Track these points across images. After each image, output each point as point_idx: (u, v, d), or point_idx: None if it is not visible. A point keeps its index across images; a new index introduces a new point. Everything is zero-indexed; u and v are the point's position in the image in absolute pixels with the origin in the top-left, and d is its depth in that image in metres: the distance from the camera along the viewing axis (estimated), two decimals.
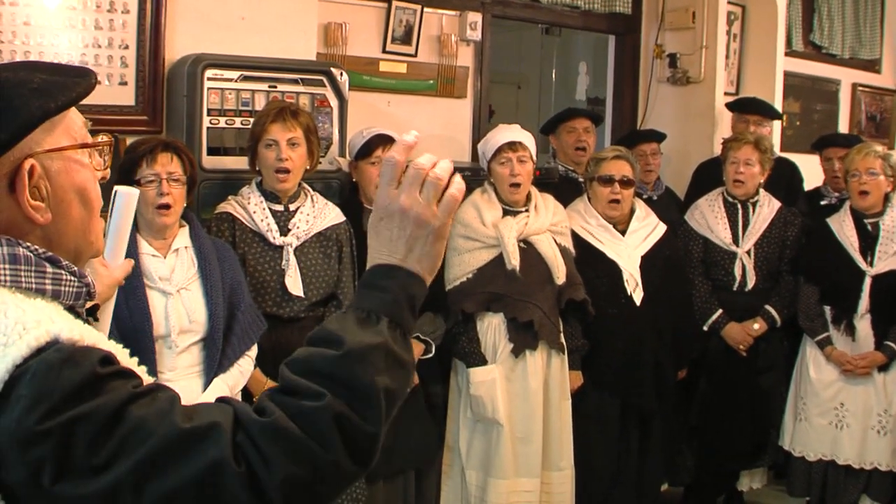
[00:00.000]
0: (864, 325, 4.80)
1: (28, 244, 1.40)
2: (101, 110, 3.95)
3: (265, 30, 4.51)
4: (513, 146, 4.36)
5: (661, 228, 4.84)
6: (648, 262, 4.71)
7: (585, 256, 4.58)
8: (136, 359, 1.40)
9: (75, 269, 1.45)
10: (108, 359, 1.29)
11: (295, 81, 4.40)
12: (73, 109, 1.50)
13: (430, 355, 4.23)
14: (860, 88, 8.29)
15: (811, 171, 6.11)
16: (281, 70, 4.38)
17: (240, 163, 4.10)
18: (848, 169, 4.90)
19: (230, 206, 3.85)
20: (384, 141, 4.23)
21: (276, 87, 4.34)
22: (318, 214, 3.92)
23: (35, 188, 1.41)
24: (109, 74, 4.16)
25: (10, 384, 1.22)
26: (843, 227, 4.91)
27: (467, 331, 4.31)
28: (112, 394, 1.24)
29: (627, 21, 6.63)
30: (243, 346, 3.49)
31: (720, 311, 4.96)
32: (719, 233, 5.02)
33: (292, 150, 3.78)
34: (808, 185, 6.04)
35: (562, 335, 4.41)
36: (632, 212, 4.80)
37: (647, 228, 4.80)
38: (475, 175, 4.78)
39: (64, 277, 1.42)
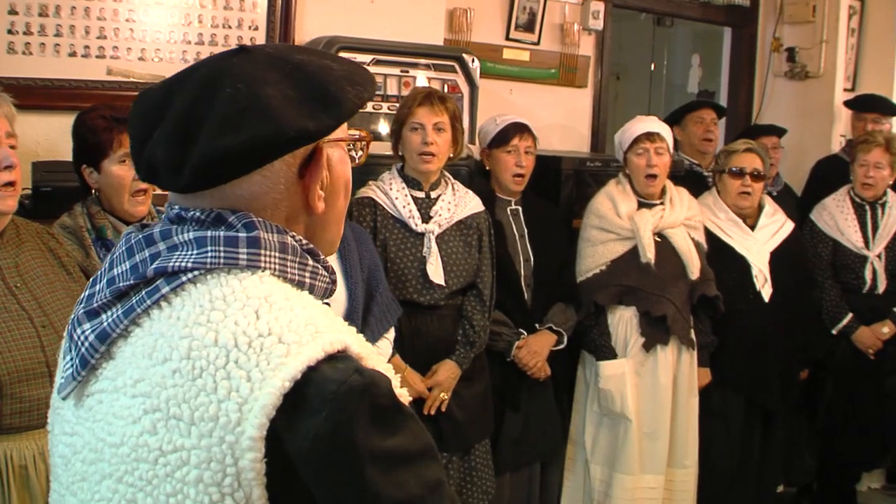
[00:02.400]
0: None
1: (293, 234, 1.35)
2: None
3: (393, 13, 4.48)
4: (650, 136, 4.28)
5: (790, 226, 4.73)
6: (777, 259, 4.60)
7: (714, 251, 4.49)
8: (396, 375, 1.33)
9: (329, 264, 1.41)
10: (392, 388, 1.26)
11: (426, 66, 4.35)
12: None
13: (562, 346, 4.17)
14: None
15: None
16: (413, 55, 4.33)
17: (373, 147, 4.03)
18: None
19: (371, 191, 3.80)
20: (520, 129, 4.18)
21: (408, 71, 4.30)
22: (459, 202, 3.86)
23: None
24: None
25: (302, 383, 1.18)
26: None
27: (598, 323, 4.24)
28: (406, 436, 1.23)
29: (745, 13, 6.54)
30: (381, 329, 3.45)
31: (850, 314, 4.83)
32: (850, 235, 4.90)
33: (438, 135, 3.73)
34: None
35: (692, 331, 4.32)
36: (760, 208, 4.69)
37: (776, 224, 4.70)
38: (606, 166, 4.72)
39: (320, 272, 1.37)
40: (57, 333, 2.44)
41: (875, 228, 4.90)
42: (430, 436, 1.28)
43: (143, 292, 1.29)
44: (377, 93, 4.19)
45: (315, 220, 1.40)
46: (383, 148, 3.93)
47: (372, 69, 4.14)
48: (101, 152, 3.01)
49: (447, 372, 3.76)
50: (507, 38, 5.28)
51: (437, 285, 3.74)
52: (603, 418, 4.28)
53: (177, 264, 1.28)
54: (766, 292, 4.54)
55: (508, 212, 4.22)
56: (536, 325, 4.14)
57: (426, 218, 3.78)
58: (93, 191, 3.11)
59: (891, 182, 4.93)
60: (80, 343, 1.32)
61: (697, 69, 7.46)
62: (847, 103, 5.99)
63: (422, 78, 4.33)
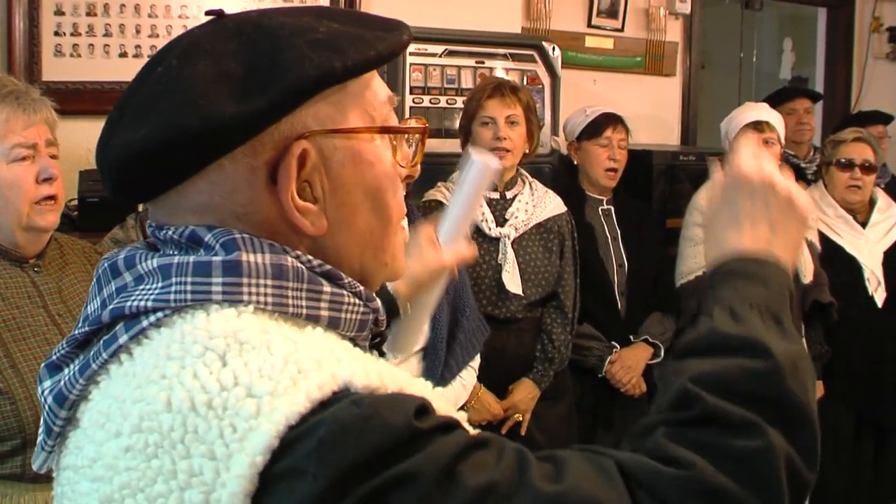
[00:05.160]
0: None
1: (298, 253, 1.00)
2: None
3: (467, 1, 4.24)
4: (759, 126, 3.97)
5: None
6: (891, 259, 4.23)
7: (821, 251, 4.15)
8: (460, 411, 0.97)
9: (360, 288, 1.04)
10: (426, 407, 0.89)
11: (504, 56, 4.09)
12: (377, 79, 1.08)
13: (659, 360, 3.84)
14: None
15: None
16: (489, 44, 4.06)
17: (445, 145, 3.77)
18: None
19: (440, 193, 3.50)
20: (613, 120, 3.88)
21: (483, 62, 4.05)
22: (538, 203, 3.54)
23: (307, 183, 1.00)
24: None
25: (281, 451, 0.83)
26: None
27: None
28: (437, 448, 0.85)
29: None
30: (467, 357, 3.08)
31: None
32: None
33: (511, 129, 3.42)
34: None
35: (804, 340, 3.94)
36: (871, 203, 4.32)
37: (890, 221, 4.33)
38: (700, 159, 4.46)
39: (346, 300, 1.02)
40: None
41: None
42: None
43: (101, 343, 0.98)
44: (451, 85, 3.91)
45: (321, 243, 1.03)
46: (454, 146, 3.62)
47: (445, 60, 3.90)
48: None
49: (524, 392, 3.47)
50: (589, 25, 5.00)
51: (513, 295, 3.43)
52: None
53: (135, 304, 0.96)
54: (880, 297, 4.19)
55: (600, 212, 3.91)
56: (631, 338, 3.84)
57: (501, 221, 3.47)
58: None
59: None
60: (43, 405, 1.04)
61: (790, 54, 7.08)
62: None
63: (499, 69, 4.07)
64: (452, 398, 3.03)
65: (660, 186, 4.46)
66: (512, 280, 3.43)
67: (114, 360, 0.97)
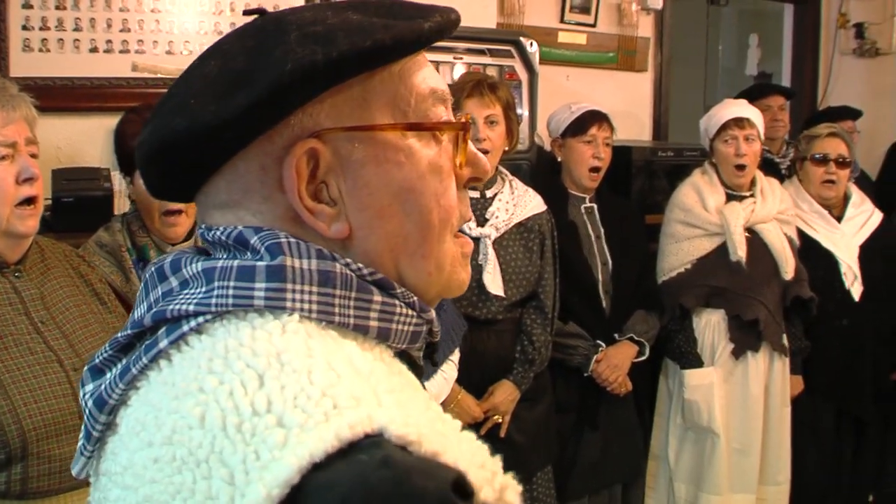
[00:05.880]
0: None
1: (348, 261, 0.94)
2: None
3: None
4: (740, 123, 3.91)
5: (878, 216, 4.32)
6: (867, 253, 4.21)
7: (799, 246, 4.11)
8: (500, 466, 0.85)
9: (414, 298, 0.98)
10: (462, 484, 0.77)
11: (481, 52, 4.01)
12: (420, 71, 1.00)
13: (644, 358, 3.80)
14: None
15: None
16: (466, 39, 3.97)
17: None
18: None
19: None
20: (598, 118, 3.81)
21: (461, 58, 3.97)
22: (518, 202, 3.46)
23: (324, 184, 0.95)
24: None
25: (300, 490, 0.74)
26: None
27: (684, 328, 3.88)
28: None
29: None
30: (447, 351, 3.05)
31: None
32: None
33: (490, 129, 3.33)
34: None
35: (784, 336, 3.95)
36: (846, 197, 4.29)
37: (864, 215, 4.30)
38: (678, 155, 4.42)
39: (398, 311, 0.96)
40: None
41: None
42: None
43: (142, 347, 0.94)
44: None
45: (350, 249, 0.96)
46: None
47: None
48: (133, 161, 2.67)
49: (504, 394, 3.39)
50: (562, 21, 4.94)
51: (494, 296, 3.35)
52: (687, 432, 3.94)
53: (177, 308, 0.92)
54: (856, 291, 4.16)
55: (583, 210, 3.84)
56: (616, 336, 3.78)
57: (481, 220, 3.39)
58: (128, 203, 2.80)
59: None
60: (84, 409, 1.00)
61: (756, 50, 7.05)
62: None
63: (459, 65, 3.98)
64: (435, 390, 3.00)
65: (638, 182, 4.43)
66: (493, 281, 3.35)
67: (154, 366, 0.93)
